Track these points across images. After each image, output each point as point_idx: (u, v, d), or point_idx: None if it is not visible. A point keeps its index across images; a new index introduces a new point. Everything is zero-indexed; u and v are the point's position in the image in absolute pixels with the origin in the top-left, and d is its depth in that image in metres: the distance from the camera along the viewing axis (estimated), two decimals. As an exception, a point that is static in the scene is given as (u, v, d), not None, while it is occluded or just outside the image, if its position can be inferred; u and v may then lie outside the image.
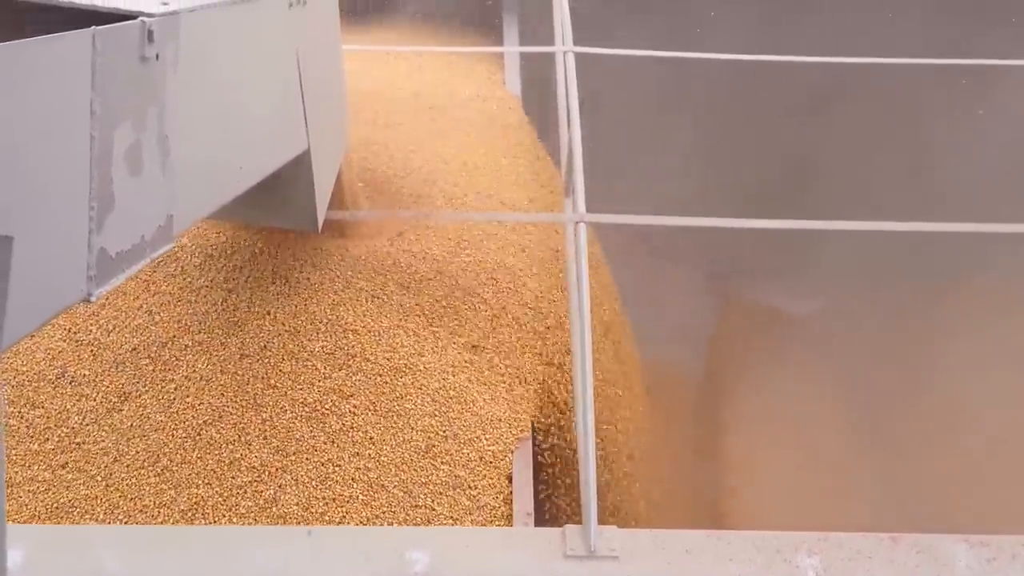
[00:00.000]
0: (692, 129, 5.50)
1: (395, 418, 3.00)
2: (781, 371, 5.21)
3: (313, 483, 2.86)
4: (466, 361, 3.19)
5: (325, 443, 2.93)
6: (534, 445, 3.25)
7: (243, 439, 2.92)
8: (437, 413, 3.04)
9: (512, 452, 3.05)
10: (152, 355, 3.06)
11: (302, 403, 2.98)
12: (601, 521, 2.46)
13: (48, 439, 2.94)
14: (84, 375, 3.04)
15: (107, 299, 3.17)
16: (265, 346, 3.07)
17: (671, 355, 5.34)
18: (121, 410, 2.97)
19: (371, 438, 2.95)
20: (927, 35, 4.56)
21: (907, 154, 5.30)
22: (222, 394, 2.99)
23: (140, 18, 1.76)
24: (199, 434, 2.93)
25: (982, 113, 4.92)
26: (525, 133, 4.34)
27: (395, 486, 2.90)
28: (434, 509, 2.88)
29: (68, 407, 2.99)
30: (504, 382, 3.21)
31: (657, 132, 5.43)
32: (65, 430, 2.95)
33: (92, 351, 3.08)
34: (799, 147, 5.42)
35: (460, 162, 3.92)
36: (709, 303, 5.81)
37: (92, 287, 1.68)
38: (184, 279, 3.22)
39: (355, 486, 2.87)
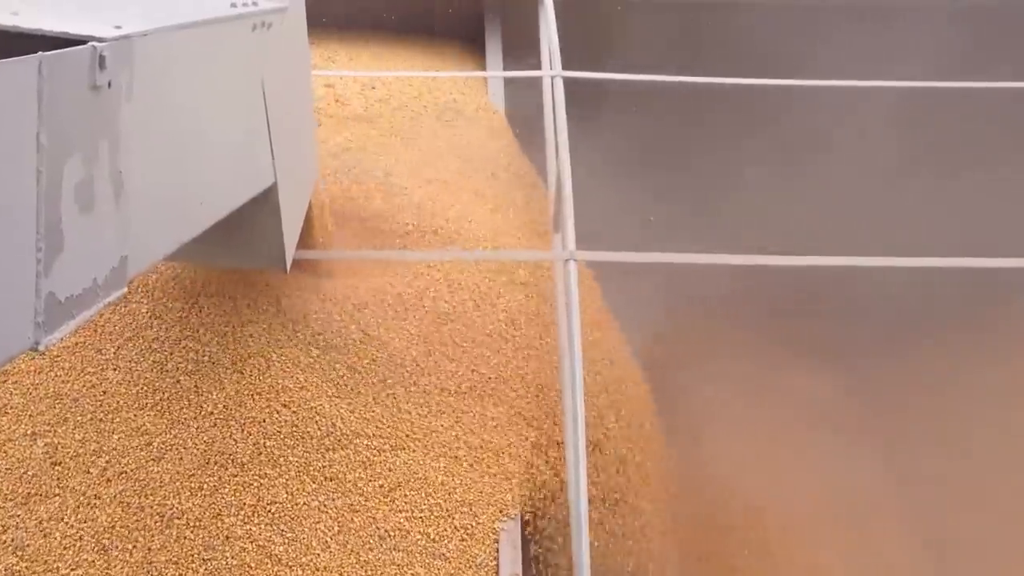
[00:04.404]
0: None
1: (366, 499, 2.99)
2: (798, 411, 5.19)
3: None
4: (450, 426, 3.18)
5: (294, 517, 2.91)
6: (526, 507, 3.22)
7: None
8: (419, 490, 3.03)
9: (501, 521, 3.04)
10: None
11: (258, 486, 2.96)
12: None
13: None
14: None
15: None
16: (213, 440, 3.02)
17: (685, 395, 5.30)
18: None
19: (339, 524, 2.94)
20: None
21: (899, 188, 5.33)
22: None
23: (91, 43, 1.73)
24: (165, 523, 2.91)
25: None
26: (513, 155, 4.33)
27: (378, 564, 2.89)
28: None
29: None
30: (491, 446, 3.18)
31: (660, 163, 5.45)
32: None
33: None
34: (800, 178, 5.43)
35: (443, 193, 3.89)
36: (727, 341, 5.77)
37: (40, 335, 1.64)
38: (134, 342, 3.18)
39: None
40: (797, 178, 5.40)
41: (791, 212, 5.32)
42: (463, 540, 2.96)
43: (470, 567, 2.91)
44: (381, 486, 3.00)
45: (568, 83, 3.64)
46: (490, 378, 3.30)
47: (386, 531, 2.93)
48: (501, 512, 3.06)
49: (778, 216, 5.25)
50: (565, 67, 3.72)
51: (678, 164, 5.44)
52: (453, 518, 3.00)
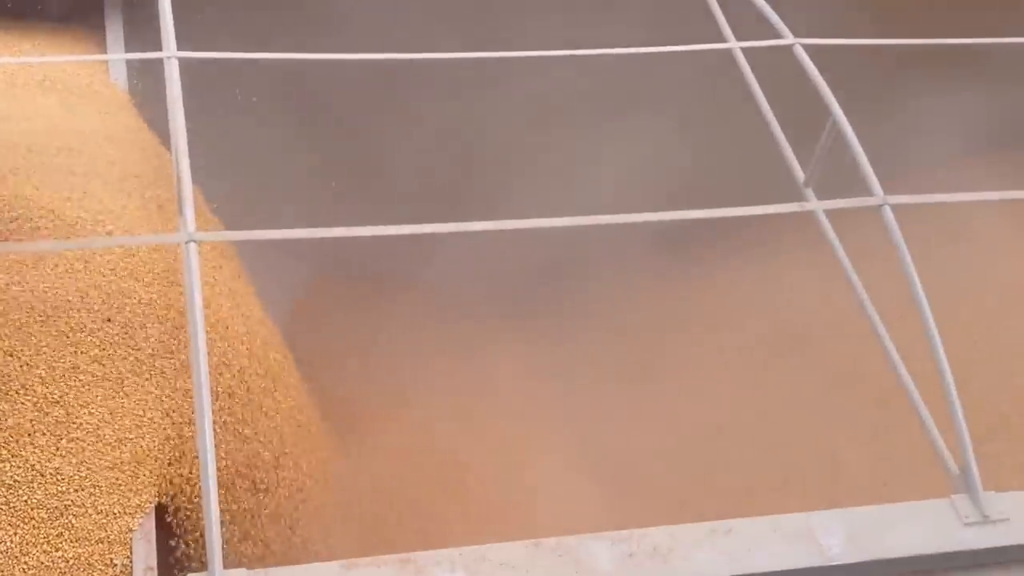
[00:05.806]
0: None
1: None
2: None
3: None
4: (78, 440, 3.07)
5: None
6: (166, 490, 3.20)
7: None
8: (52, 517, 2.92)
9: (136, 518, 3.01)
10: None
11: None
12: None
13: None
14: None
15: None
16: None
17: (334, 373, 5.38)
18: None
19: None
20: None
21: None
22: None
23: None
24: None
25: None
26: (141, 140, 4.22)
27: None
28: None
29: None
30: (126, 445, 3.11)
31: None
32: None
33: None
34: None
35: (63, 179, 3.74)
36: (372, 315, 5.90)
37: None
38: None
39: None
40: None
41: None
42: (102, 552, 2.90)
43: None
44: (10, 523, 2.88)
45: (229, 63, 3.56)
46: (119, 373, 3.23)
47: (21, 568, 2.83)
48: (137, 509, 3.02)
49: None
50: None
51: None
52: (91, 533, 2.92)
